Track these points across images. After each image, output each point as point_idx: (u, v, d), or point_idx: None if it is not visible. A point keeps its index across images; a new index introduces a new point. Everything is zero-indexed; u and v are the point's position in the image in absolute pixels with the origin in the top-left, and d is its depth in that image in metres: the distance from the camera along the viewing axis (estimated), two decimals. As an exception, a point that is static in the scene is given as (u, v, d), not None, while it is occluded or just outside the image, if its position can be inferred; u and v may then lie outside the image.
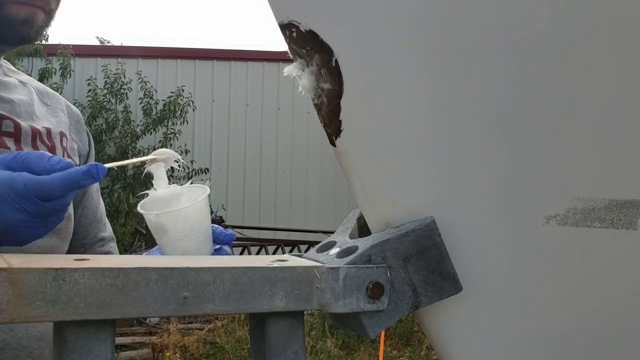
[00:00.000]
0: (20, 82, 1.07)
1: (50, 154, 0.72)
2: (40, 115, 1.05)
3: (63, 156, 1.05)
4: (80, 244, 1.16)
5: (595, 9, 0.55)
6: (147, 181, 7.33)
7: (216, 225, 0.97)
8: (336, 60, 0.56)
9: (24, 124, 0.98)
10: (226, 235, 0.96)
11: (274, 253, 6.10)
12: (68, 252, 1.11)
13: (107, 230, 1.23)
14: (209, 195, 0.93)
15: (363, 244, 0.60)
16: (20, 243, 0.70)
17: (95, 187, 1.21)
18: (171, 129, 7.91)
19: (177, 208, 0.88)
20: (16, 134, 0.96)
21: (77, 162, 1.12)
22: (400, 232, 0.59)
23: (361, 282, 0.56)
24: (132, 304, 0.49)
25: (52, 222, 0.72)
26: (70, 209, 1.07)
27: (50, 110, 1.09)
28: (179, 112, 7.88)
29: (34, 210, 0.68)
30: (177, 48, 8.80)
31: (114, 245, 1.24)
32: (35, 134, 0.99)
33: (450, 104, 0.59)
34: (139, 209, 0.90)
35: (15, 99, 1.00)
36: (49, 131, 1.03)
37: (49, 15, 0.98)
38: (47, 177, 0.69)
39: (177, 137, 7.93)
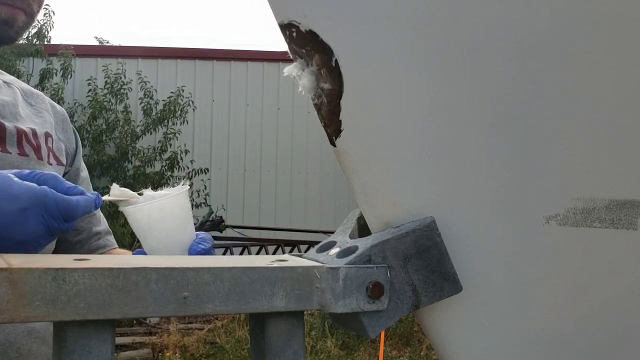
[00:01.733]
0: (5, 82, 1.06)
1: (62, 178, 0.74)
2: (25, 115, 1.05)
3: (49, 157, 1.05)
4: (76, 241, 1.15)
5: (595, 9, 0.55)
6: (147, 181, 7.35)
7: (204, 235, 0.92)
8: (336, 60, 0.56)
9: (8, 124, 0.97)
10: (197, 249, 0.89)
11: (274, 253, 6.10)
12: (65, 250, 1.11)
13: (102, 223, 1.21)
14: (189, 197, 0.89)
15: (363, 244, 0.60)
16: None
17: (86, 182, 1.20)
18: (171, 129, 7.91)
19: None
20: (1, 135, 0.96)
21: (65, 162, 1.12)
22: (400, 232, 0.59)
23: (361, 282, 0.56)
24: (132, 304, 0.49)
25: (50, 241, 0.72)
26: None
27: (35, 111, 1.09)
28: (179, 112, 7.88)
29: (55, 228, 0.69)
30: (177, 48, 8.80)
31: (110, 238, 1.22)
32: (20, 134, 0.99)
33: (450, 104, 0.59)
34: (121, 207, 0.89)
35: None
36: (34, 132, 1.03)
37: (30, 17, 0.99)
38: (73, 199, 0.71)
39: (177, 137, 7.93)
